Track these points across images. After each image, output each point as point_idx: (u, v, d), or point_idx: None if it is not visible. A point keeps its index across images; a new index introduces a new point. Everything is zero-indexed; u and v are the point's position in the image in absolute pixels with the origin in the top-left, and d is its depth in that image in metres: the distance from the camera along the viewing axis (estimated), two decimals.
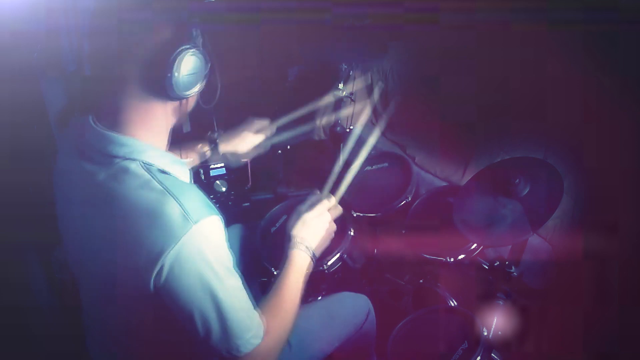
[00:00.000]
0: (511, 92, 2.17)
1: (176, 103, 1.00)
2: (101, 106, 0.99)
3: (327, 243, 1.31)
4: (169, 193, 0.92)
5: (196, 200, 0.94)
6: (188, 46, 0.94)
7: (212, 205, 0.98)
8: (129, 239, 0.92)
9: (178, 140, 1.07)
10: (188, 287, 0.93)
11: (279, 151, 1.53)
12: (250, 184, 2.17)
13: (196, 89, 0.99)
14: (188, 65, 0.94)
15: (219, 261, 0.96)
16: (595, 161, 1.89)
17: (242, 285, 1.01)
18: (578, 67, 1.93)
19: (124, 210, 0.92)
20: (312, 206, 1.31)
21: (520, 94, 2.14)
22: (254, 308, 1.04)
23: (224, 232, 0.99)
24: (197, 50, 0.95)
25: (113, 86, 0.96)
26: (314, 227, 1.28)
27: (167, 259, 0.90)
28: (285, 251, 1.25)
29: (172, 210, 0.90)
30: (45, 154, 1.49)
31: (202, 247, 0.93)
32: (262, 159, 2.20)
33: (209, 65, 0.99)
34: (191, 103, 1.05)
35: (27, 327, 1.69)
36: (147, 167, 0.95)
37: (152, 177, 0.94)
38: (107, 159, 0.96)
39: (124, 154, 0.95)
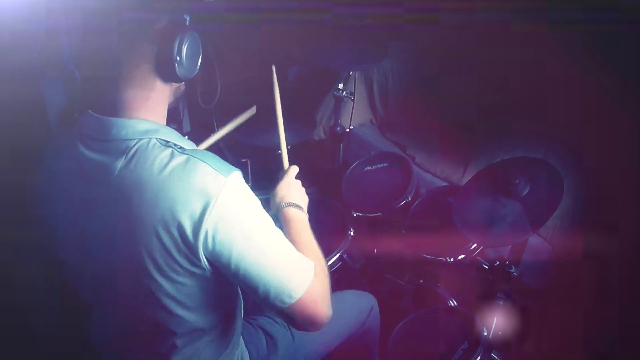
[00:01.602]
0: (511, 92, 2.18)
1: (175, 85, 1.04)
2: (103, 102, 0.99)
3: (305, 197, 1.37)
4: (195, 157, 0.95)
5: (218, 160, 0.97)
6: (187, 29, 0.98)
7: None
8: (163, 218, 0.91)
9: None
10: (236, 243, 0.94)
11: (279, 151, 1.52)
12: (250, 184, 2.17)
13: (198, 67, 1.04)
14: (190, 47, 0.98)
15: (257, 210, 0.99)
16: (595, 161, 1.89)
17: (278, 229, 1.03)
18: (578, 67, 1.93)
19: (153, 189, 0.92)
20: (282, 176, 1.40)
21: (520, 94, 2.14)
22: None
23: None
24: (193, 32, 1.00)
25: (115, 83, 0.97)
26: (293, 188, 1.35)
27: (211, 219, 0.91)
28: (278, 215, 1.29)
29: (204, 169, 0.93)
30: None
31: (239, 199, 0.96)
32: (262, 159, 2.19)
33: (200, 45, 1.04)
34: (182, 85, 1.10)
35: (27, 327, 1.69)
36: (165, 142, 0.97)
37: (174, 148, 0.96)
38: (122, 144, 0.96)
39: (139, 134, 0.96)
